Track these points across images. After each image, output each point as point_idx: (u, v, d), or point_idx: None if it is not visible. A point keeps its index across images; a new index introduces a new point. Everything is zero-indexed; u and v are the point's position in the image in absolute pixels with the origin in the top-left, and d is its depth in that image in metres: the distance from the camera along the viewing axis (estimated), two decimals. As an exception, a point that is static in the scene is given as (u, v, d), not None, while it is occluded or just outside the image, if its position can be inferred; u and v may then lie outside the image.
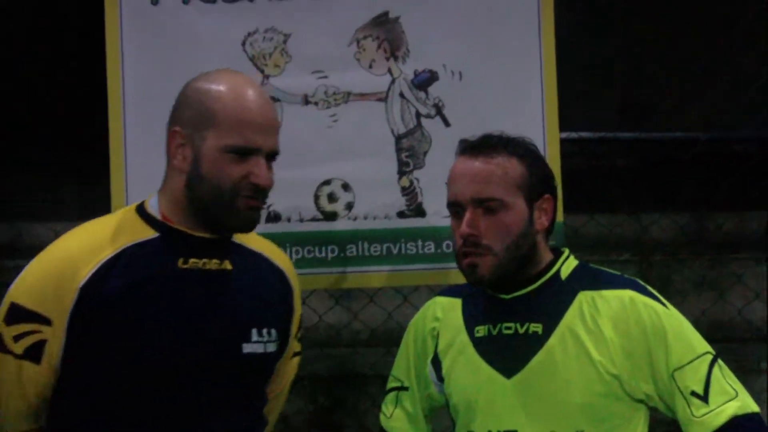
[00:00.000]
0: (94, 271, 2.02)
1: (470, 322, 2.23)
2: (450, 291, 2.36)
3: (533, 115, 2.90)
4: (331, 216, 2.90)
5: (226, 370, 2.09)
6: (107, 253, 2.05)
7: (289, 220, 2.90)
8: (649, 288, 2.17)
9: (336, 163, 2.90)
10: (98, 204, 3.08)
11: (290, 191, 2.87)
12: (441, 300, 2.35)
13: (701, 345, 2.11)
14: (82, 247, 2.06)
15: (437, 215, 2.88)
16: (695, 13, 4.82)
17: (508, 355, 2.14)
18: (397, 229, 2.90)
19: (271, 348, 2.18)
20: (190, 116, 2.08)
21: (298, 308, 2.34)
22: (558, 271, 2.19)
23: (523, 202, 2.14)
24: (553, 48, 2.92)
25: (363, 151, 2.89)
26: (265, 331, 2.15)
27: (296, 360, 2.39)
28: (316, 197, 2.89)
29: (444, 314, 2.31)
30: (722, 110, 4.70)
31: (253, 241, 2.26)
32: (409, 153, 2.90)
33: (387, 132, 2.91)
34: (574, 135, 4.02)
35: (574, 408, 2.08)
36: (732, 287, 4.25)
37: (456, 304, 2.30)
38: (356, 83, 2.90)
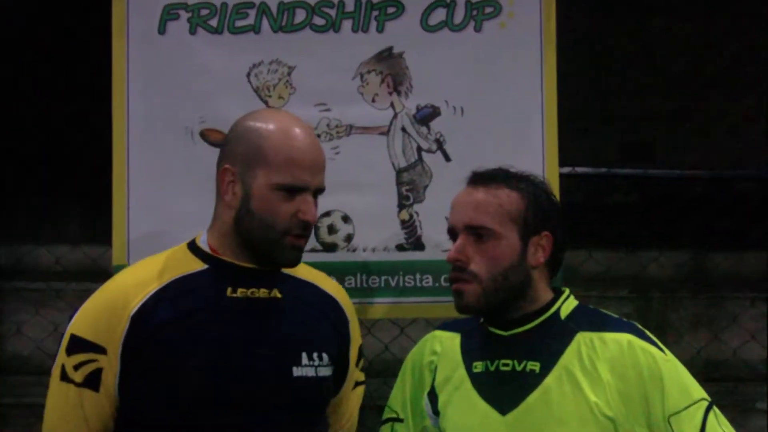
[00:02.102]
0: (144, 301, 2.11)
1: (468, 358, 2.24)
2: (449, 325, 2.38)
3: (533, 150, 2.92)
4: (331, 247, 2.91)
5: (278, 394, 2.13)
6: (156, 285, 2.14)
7: (288, 250, 2.89)
8: (648, 333, 2.17)
9: (337, 195, 2.89)
10: (101, 228, 3.10)
11: (291, 222, 2.88)
12: (440, 334, 2.36)
13: (698, 391, 2.11)
14: (134, 281, 2.15)
15: (436, 249, 2.89)
16: (698, 55, 4.87)
17: (504, 392, 2.15)
18: (396, 262, 2.90)
19: (324, 372, 2.21)
20: (240, 154, 2.15)
21: (356, 338, 2.40)
22: (558, 311, 2.20)
23: (516, 235, 2.16)
24: (555, 84, 2.94)
25: (364, 184, 2.91)
26: (315, 354, 2.19)
27: (360, 389, 2.43)
28: (316, 228, 2.90)
29: (442, 348, 2.32)
30: (722, 150, 4.74)
31: (305, 272, 2.32)
32: (409, 187, 2.92)
33: (388, 165, 2.92)
34: (573, 171, 4.04)
35: (567, 447, 2.09)
36: (728, 327, 4.26)
37: (455, 338, 2.31)
38: (359, 117, 2.91)
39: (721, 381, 3.95)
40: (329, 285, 2.37)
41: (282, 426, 2.13)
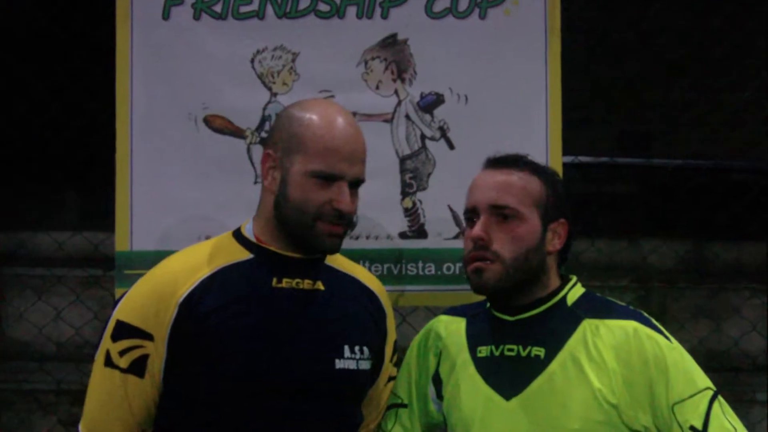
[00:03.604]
0: (191, 289, 2.12)
1: (473, 342, 2.25)
2: (454, 310, 2.38)
3: (537, 139, 2.91)
4: (334, 235, 2.90)
5: (320, 385, 2.15)
6: (204, 273, 2.15)
7: (291, 237, 2.89)
8: (654, 321, 2.17)
9: (340, 183, 2.90)
10: (100, 213, 3.09)
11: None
12: (445, 319, 2.37)
13: (703, 380, 2.11)
14: (182, 267, 2.17)
15: (439, 237, 2.89)
16: (698, 46, 4.87)
17: (508, 377, 2.15)
18: (399, 250, 2.90)
19: (364, 366, 2.23)
20: (282, 140, 2.17)
21: (392, 333, 2.40)
22: (564, 297, 2.20)
23: (538, 219, 2.17)
24: (559, 73, 2.93)
25: (367, 172, 2.89)
26: (357, 348, 2.21)
27: (391, 384, 2.43)
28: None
29: (447, 333, 2.32)
30: (722, 140, 4.74)
31: (346, 264, 2.34)
32: (412, 174, 2.92)
33: (392, 153, 2.92)
34: (575, 159, 4.03)
35: (570, 434, 2.09)
36: (729, 317, 4.27)
37: (460, 323, 2.31)
38: (363, 104, 2.90)
39: (721, 371, 3.96)
40: (369, 278, 2.38)
41: (322, 416, 2.15)
